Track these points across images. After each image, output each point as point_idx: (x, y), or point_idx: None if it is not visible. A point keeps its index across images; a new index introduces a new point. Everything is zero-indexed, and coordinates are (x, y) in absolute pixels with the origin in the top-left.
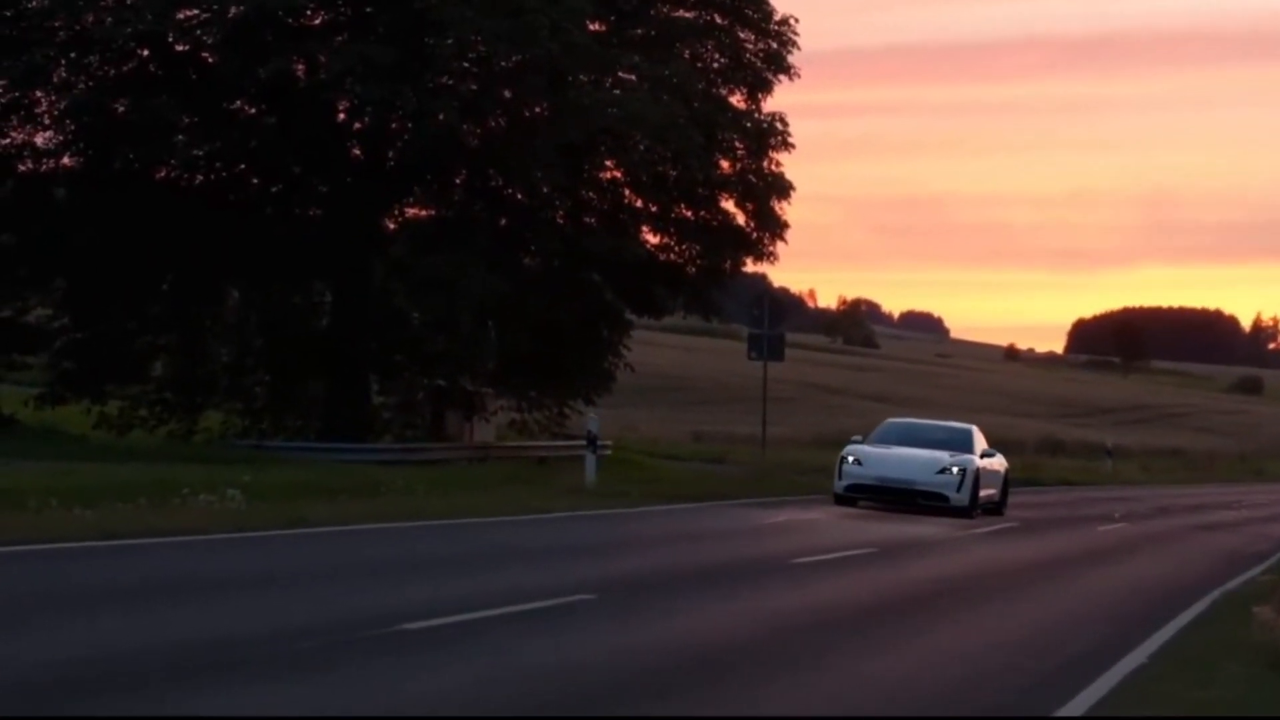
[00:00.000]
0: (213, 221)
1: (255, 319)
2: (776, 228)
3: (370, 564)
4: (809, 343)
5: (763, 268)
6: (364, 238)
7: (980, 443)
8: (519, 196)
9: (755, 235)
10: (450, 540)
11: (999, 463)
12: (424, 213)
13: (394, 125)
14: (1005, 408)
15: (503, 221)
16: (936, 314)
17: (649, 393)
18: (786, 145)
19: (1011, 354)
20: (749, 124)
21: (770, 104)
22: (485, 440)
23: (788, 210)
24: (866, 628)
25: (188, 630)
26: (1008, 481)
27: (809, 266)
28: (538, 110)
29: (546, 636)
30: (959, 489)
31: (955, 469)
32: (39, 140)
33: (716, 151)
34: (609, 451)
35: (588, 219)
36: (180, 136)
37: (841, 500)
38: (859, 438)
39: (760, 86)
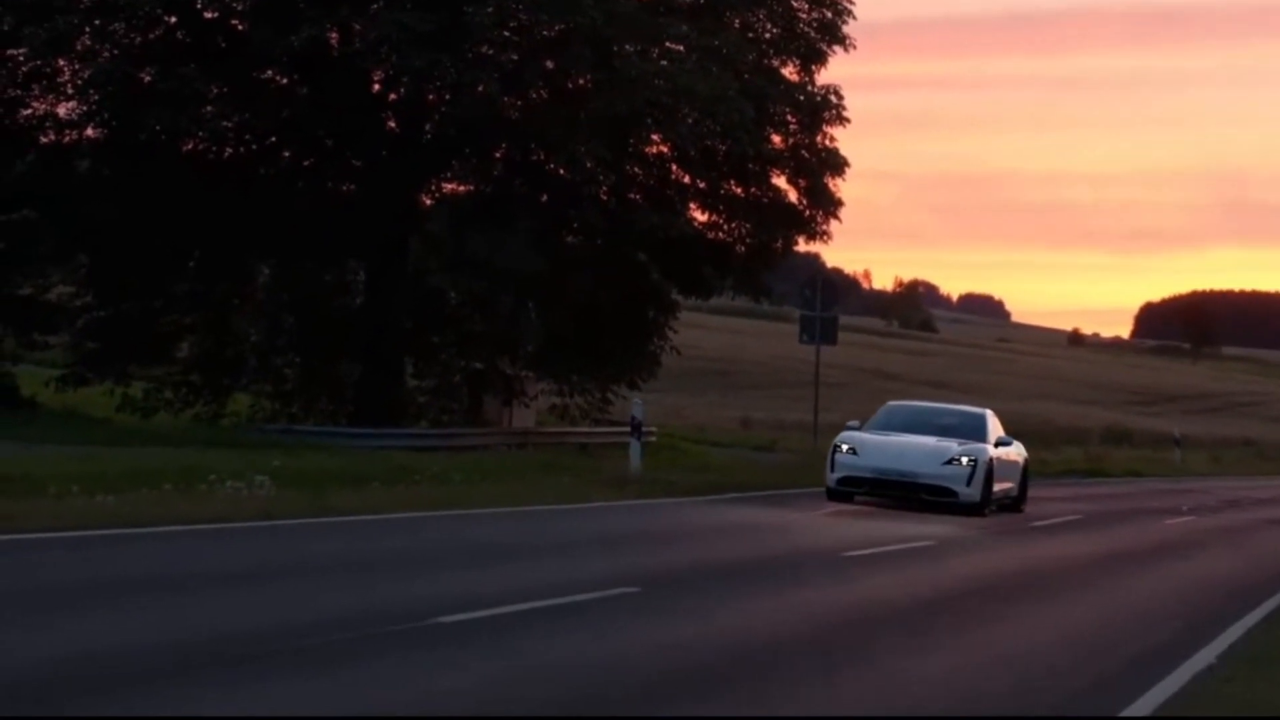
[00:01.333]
0: (242, 196)
1: (286, 298)
2: (830, 205)
3: (404, 555)
4: (864, 326)
5: (816, 247)
6: (400, 214)
7: (995, 429)
8: (561, 172)
9: (808, 213)
10: (488, 530)
11: (1016, 452)
12: (462, 188)
13: (431, 97)
14: (1069, 395)
15: (544, 198)
16: (997, 296)
17: (696, 377)
18: (841, 119)
19: (1076, 339)
20: (802, 97)
21: (824, 76)
22: (525, 426)
23: (842, 187)
24: (919, 625)
25: (212, 622)
26: (1026, 474)
27: (864, 246)
28: (581, 82)
29: (588, 631)
30: (969, 483)
31: (965, 460)
32: (61, 111)
33: (768, 125)
34: (654, 438)
35: (633, 195)
36: (208, 107)
37: (834, 495)
38: (856, 423)
39: (814, 58)
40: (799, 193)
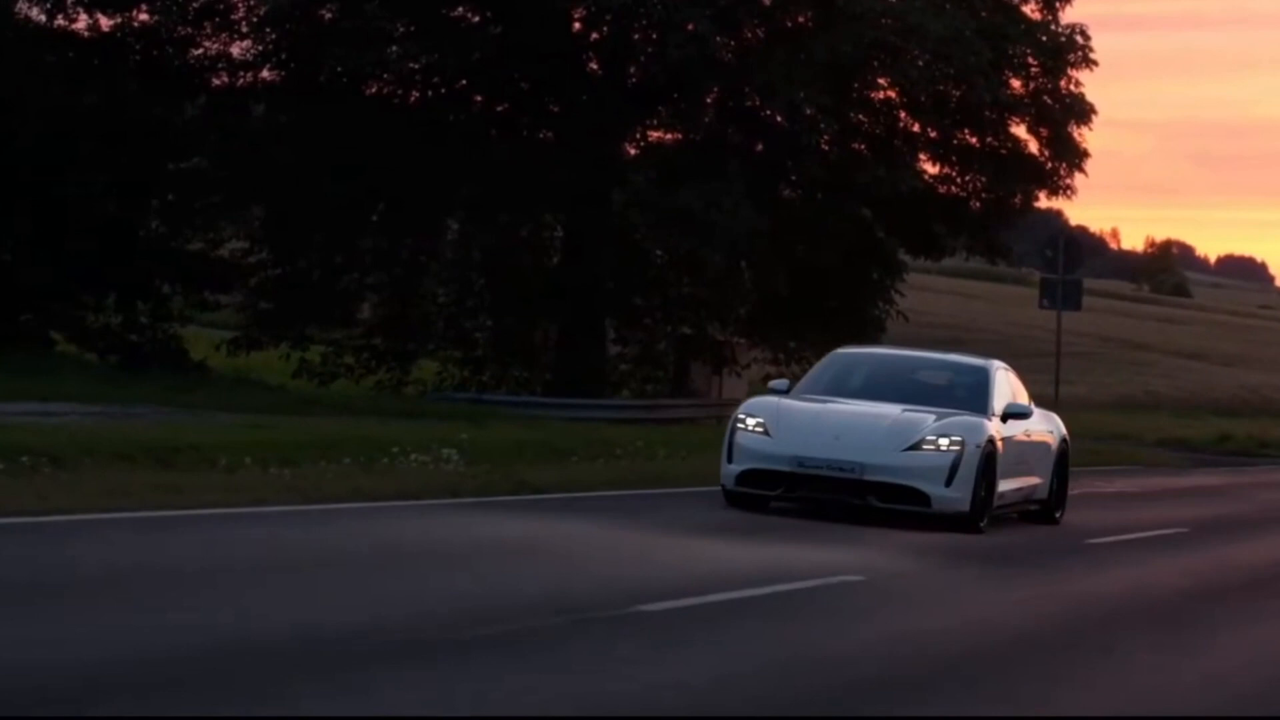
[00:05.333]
0: (430, 144)
1: (477, 255)
2: (1075, 157)
3: (603, 535)
4: (1111, 290)
5: (1058, 203)
6: (601, 164)
7: (1006, 393)
8: (778, 119)
9: (1050, 165)
10: (695, 510)
11: (1044, 430)
12: (670, 136)
13: (637, 36)
14: None
15: (759, 147)
16: (1260, 258)
17: (925, 344)
18: (1088, 62)
19: None
20: (1044, 37)
21: (1070, 14)
22: (736, 396)
23: (1088, 137)
24: (1174, 619)
25: (399, 605)
26: (1066, 464)
27: (1112, 202)
28: (801, 20)
29: (804, 622)
30: (949, 480)
31: (944, 442)
32: (235, 51)
33: (1006, 69)
34: None
35: (857, 145)
36: (394, 47)
37: (734, 499)
38: (783, 383)
39: None
40: (1040, 143)
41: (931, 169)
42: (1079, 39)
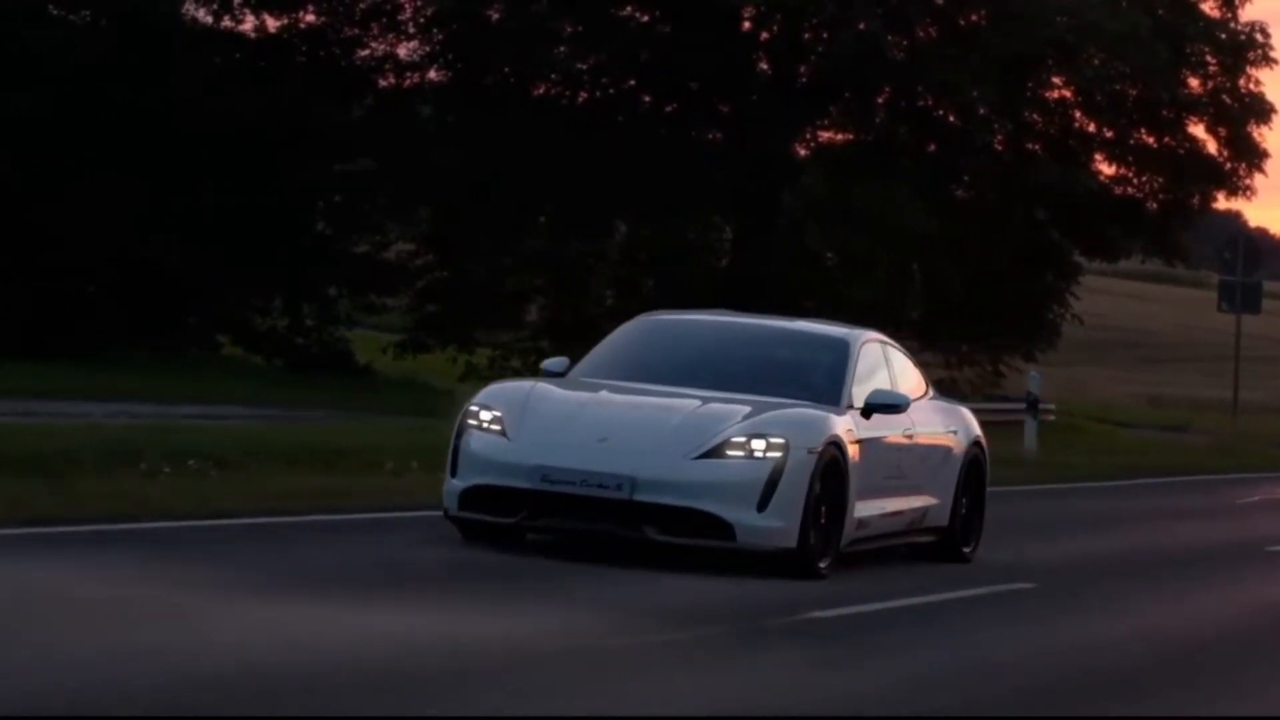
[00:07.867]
0: (597, 145)
1: (645, 256)
2: (1254, 157)
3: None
4: None
5: (1238, 204)
6: (771, 165)
7: (879, 376)
8: (951, 118)
9: (1229, 166)
10: None
11: (937, 429)
12: (840, 136)
13: (807, 35)
14: None
15: (932, 147)
16: None
17: (1100, 348)
18: (1268, 60)
19: None
20: (1223, 35)
21: (1249, 11)
22: None
23: (1268, 137)
24: None
25: (566, 612)
26: (983, 478)
27: None
28: (975, 18)
29: (975, 630)
30: (764, 501)
31: (757, 446)
32: (402, 51)
33: (1184, 67)
34: (1052, 416)
35: (1031, 145)
36: (561, 48)
37: (462, 525)
38: (559, 363)
39: None
40: (1219, 143)
41: (1107, 169)
42: (1259, 37)
